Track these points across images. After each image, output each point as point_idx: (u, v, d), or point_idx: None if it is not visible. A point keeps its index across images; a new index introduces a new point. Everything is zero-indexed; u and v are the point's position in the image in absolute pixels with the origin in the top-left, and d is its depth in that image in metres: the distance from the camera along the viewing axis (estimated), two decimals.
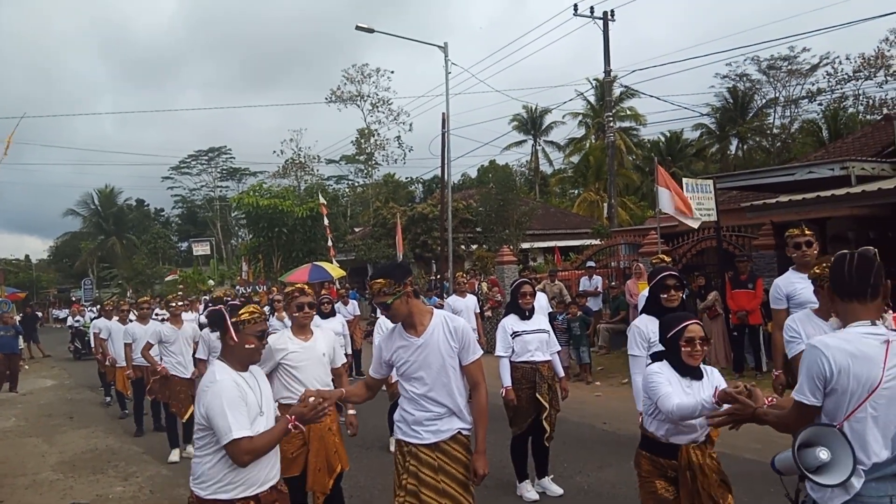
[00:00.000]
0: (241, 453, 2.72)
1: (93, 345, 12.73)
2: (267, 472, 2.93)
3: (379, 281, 3.29)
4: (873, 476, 2.30)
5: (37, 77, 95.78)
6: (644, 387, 3.41)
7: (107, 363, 10.74)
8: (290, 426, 2.84)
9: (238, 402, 2.76)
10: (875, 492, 2.30)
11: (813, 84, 32.39)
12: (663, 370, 3.33)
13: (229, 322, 2.90)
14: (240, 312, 2.93)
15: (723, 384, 3.33)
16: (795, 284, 4.92)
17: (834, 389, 2.32)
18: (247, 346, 2.91)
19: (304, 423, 2.88)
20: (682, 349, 3.27)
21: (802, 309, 4.88)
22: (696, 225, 10.70)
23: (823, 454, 2.28)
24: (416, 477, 3.20)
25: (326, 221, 21.81)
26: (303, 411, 2.86)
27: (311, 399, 2.89)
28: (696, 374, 3.33)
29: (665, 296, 4.13)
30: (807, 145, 30.19)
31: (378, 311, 7.75)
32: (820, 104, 32.28)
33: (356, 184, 45.72)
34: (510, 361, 5.49)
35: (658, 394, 3.23)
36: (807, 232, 4.88)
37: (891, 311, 2.56)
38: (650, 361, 4.15)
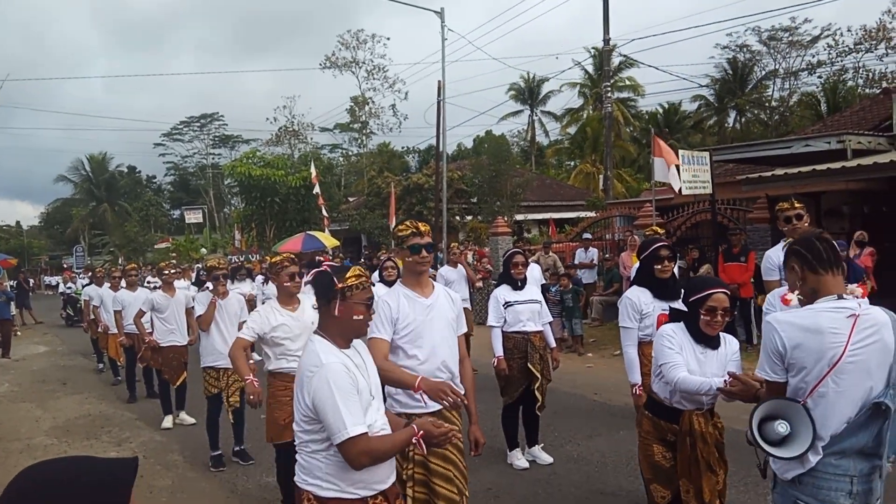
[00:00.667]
0: (358, 454, 2.25)
1: (84, 312, 12.71)
2: (390, 464, 2.54)
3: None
4: (832, 450, 2.27)
5: (27, 39, 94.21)
6: (654, 348, 3.37)
7: (99, 330, 10.71)
8: (413, 439, 2.41)
9: (350, 391, 2.30)
10: (834, 469, 2.27)
11: (813, 56, 32.14)
12: (676, 334, 3.25)
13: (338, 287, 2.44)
14: (346, 276, 2.46)
15: (737, 357, 3.30)
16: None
17: (791, 364, 2.31)
18: (355, 317, 2.45)
19: (427, 445, 2.45)
20: (702, 317, 3.18)
21: None
22: (677, 187, 10.43)
23: (782, 427, 2.29)
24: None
25: (318, 190, 21.66)
26: (433, 431, 2.41)
27: (445, 427, 2.46)
28: (713, 343, 3.25)
29: (658, 267, 4.13)
30: (805, 118, 30.05)
31: (375, 279, 7.69)
32: (819, 77, 32.07)
33: (350, 153, 45.40)
34: (502, 331, 5.50)
35: (665, 360, 3.20)
36: (796, 205, 4.87)
37: (858, 285, 2.55)
38: (644, 333, 4.17)
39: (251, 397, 4.62)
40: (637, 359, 4.16)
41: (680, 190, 10.16)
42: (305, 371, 2.37)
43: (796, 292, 2.53)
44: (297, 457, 2.44)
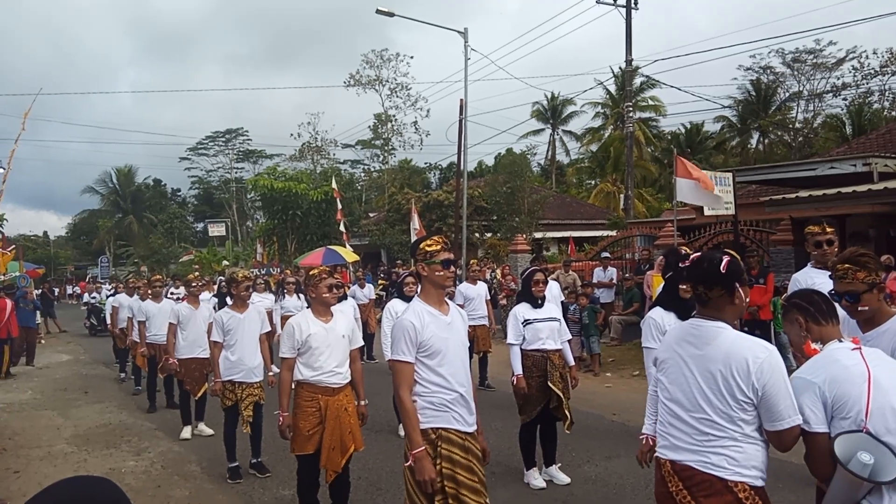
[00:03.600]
0: (793, 439, 2.38)
1: (108, 321, 12.88)
2: None
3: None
4: None
5: (56, 52, 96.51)
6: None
7: (130, 340, 10.75)
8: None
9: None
10: None
11: (838, 78, 31.89)
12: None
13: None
14: None
15: None
16: (815, 279, 4.85)
17: (835, 402, 2.35)
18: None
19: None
20: None
21: None
22: (721, 207, 10.34)
23: (865, 457, 2.25)
24: (449, 460, 3.18)
25: (340, 206, 21.85)
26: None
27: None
28: None
29: (685, 287, 4.11)
30: (829, 141, 29.75)
31: (394, 295, 7.74)
32: (844, 99, 31.79)
33: (372, 169, 45.73)
34: (521, 349, 5.49)
35: None
36: (828, 230, 4.79)
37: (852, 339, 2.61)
38: None
39: (281, 428, 4.63)
40: None
41: (702, 209, 10.10)
42: (748, 356, 2.37)
43: (818, 343, 2.59)
44: (721, 450, 2.39)
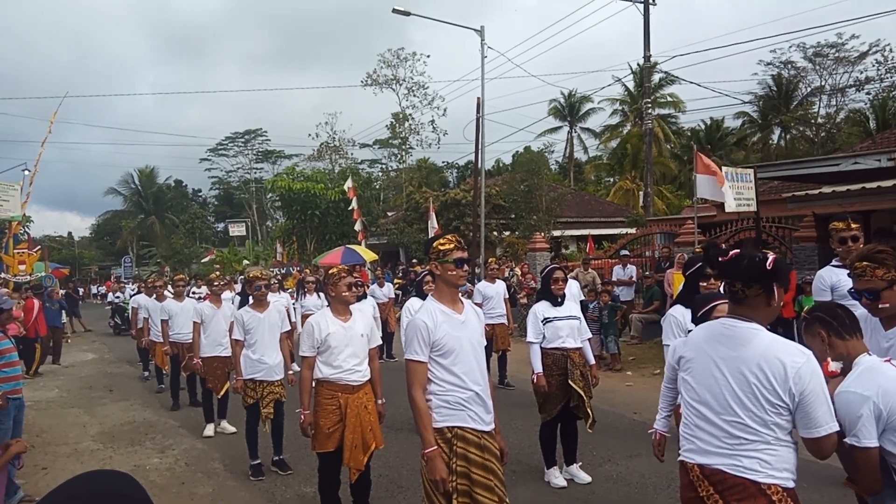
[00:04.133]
0: (832, 447, 2.32)
1: (131, 321, 13.05)
2: None
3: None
4: None
5: (77, 55, 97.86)
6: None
7: (150, 339, 10.93)
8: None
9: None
10: None
11: (861, 72, 31.39)
12: None
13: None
14: None
15: None
16: (840, 276, 4.81)
17: (890, 417, 2.35)
18: None
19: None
20: None
21: (846, 302, 4.78)
22: (738, 204, 10.24)
23: None
24: (464, 458, 3.19)
25: (355, 204, 21.93)
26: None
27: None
28: None
29: (705, 284, 4.10)
30: (853, 136, 29.30)
31: (412, 294, 7.75)
32: (868, 93, 31.28)
33: (389, 168, 45.85)
34: (541, 347, 5.48)
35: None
36: (853, 226, 4.73)
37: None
38: None
39: (303, 426, 4.66)
40: None
41: (723, 206, 10.01)
42: (786, 360, 2.30)
43: (839, 361, 2.56)
44: (754, 453, 2.33)
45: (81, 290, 35.74)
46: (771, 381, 2.28)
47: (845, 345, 2.52)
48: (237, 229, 42.01)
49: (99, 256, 62.54)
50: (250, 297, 6.36)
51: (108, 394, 10.59)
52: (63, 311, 16.01)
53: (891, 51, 29.71)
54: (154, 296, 10.86)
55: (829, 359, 2.54)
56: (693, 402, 2.51)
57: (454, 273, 3.33)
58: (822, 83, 33.31)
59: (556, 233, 24.36)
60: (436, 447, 3.13)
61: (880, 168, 10.36)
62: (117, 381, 11.94)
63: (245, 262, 33.58)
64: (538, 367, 5.43)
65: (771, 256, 2.44)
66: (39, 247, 21.82)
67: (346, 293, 4.63)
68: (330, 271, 4.85)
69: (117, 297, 21.59)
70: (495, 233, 24.16)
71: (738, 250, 2.54)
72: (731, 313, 2.48)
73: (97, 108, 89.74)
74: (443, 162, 47.00)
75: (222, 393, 7.63)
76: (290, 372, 6.31)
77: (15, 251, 17.74)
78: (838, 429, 2.29)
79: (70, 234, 69.41)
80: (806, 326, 2.66)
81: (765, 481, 2.30)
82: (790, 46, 32.09)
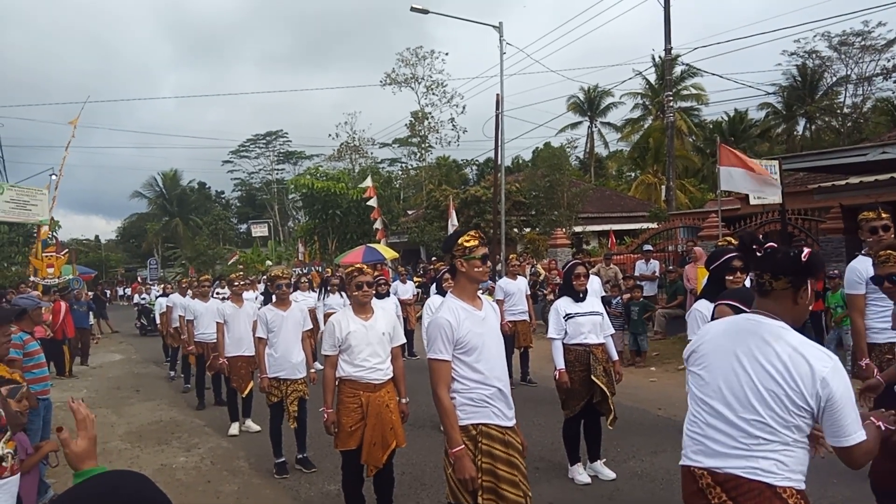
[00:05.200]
0: (863, 456, 2.20)
1: (158, 321, 13.21)
2: None
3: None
4: None
5: (100, 60, 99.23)
6: None
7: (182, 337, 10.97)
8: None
9: None
10: None
11: (888, 60, 30.71)
12: None
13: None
14: None
15: None
16: (873, 269, 4.71)
17: None
18: None
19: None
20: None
21: (881, 294, 4.67)
22: (775, 196, 10.04)
23: None
24: (490, 455, 3.19)
25: (375, 203, 22.00)
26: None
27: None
28: None
29: (730, 278, 4.03)
30: (880, 125, 28.71)
31: (433, 291, 7.73)
32: (895, 82, 30.60)
33: (409, 166, 45.94)
34: (563, 343, 5.44)
35: None
36: (883, 215, 4.63)
37: None
38: None
39: (327, 424, 4.66)
40: None
41: (747, 198, 9.85)
42: (814, 364, 2.19)
43: None
44: (772, 454, 2.21)
45: (108, 293, 36.35)
46: (798, 383, 2.16)
47: None
48: (260, 230, 42.44)
49: (125, 259, 63.54)
50: (273, 296, 6.41)
51: (136, 394, 10.75)
52: (91, 313, 16.27)
53: None
54: (189, 295, 10.87)
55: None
56: (707, 398, 2.35)
57: (480, 270, 3.31)
58: (848, 72, 32.68)
59: (578, 228, 24.22)
60: (463, 446, 3.12)
61: None
62: (144, 381, 12.11)
63: (268, 262, 33.89)
64: (560, 364, 5.39)
65: (807, 250, 2.34)
66: (67, 250, 22.23)
67: (357, 293, 4.64)
68: (347, 271, 4.87)
69: (143, 299, 21.89)
70: (515, 229, 24.08)
71: (774, 244, 2.40)
72: (756, 308, 2.36)
73: (121, 113, 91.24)
74: (462, 159, 47.01)
75: (247, 392, 7.69)
76: (312, 370, 6.34)
77: (43, 255, 18.09)
78: (864, 437, 2.15)
79: (97, 237, 70.67)
80: None
81: (781, 484, 2.19)
82: (815, 36, 31.53)
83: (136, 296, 24.24)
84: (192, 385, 10.04)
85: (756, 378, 2.23)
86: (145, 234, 57.57)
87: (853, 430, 2.15)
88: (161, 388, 11.24)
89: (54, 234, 25.86)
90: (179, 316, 10.82)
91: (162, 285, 21.85)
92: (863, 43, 31.04)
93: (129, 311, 28.40)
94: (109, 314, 23.52)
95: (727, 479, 2.23)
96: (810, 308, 2.38)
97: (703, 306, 4.12)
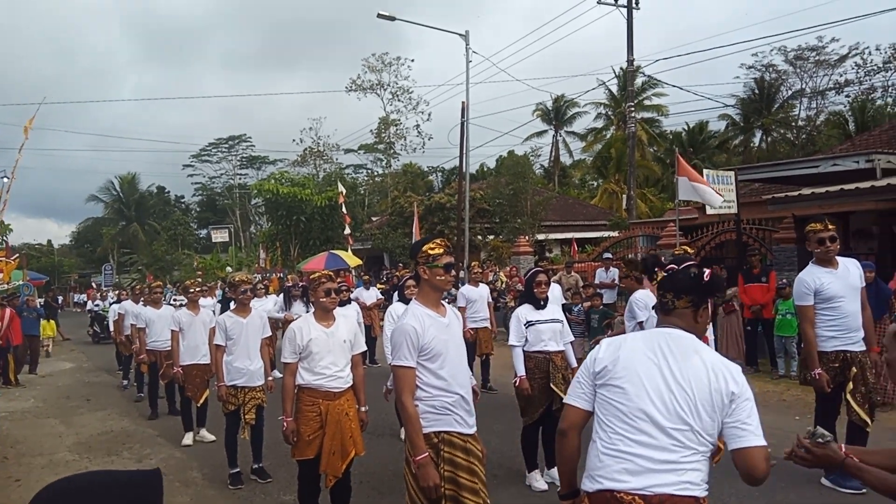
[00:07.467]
0: (763, 461, 2.15)
1: (111, 328, 12.85)
2: None
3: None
4: None
5: (57, 55, 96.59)
6: None
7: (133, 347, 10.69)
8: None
9: None
10: None
11: (841, 75, 31.78)
12: None
13: None
14: None
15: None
16: (822, 279, 4.84)
17: None
18: None
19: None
20: None
21: (830, 304, 4.80)
22: (717, 203, 10.33)
23: None
24: (451, 463, 3.18)
25: (344, 209, 21.89)
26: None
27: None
28: None
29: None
30: (833, 138, 29.64)
31: (395, 298, 7.69)
32: (847, 96, 31.68)
33: (375, 173, 45.79)
34: (523, 351, 5.45)
35: None
36: (830, 227, 4.78)
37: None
38: None
39: (286, 433, 4.52)
40: None
41: (704, 208, 10.09)
42: (727, 374, 2.22)
43: None
44: (697, 465, 2.18)
45: (61, 299, 35.29)
46: (721, 391, 2.18)
47: None
48: (220, 235, 41.67)
49: (79, 264, 61.72)
50: (232, 303, 6.27)
51: (86, 403, 10.42)
52: (41, 320, 15.75)
53: (870, 54, 30.13)
54: (142, 302, 10.62)
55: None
56: (632, 413, 2.24)
57: (442, 278, 3.31)
58: (803, 86, 33.70)
59: (541, 236, 24.41)
60: (427, 454, 3.09)
61: (859, 170, 10.47)
62: (95, 390, 11.75)
63: (228, 268, 33.33)
64: (521, 371, 5.40)
65: (708, 270, 2.40)
66: (17, 255, 21.51)
67: (324, 299, 4.58)
68: (311, 277, 4.80)
69: (97, 306, 21.31)
70: (479, 237, 24.16)
71: (675, 265, 2.44)
72: (665, 324, 2.38)
73: (78, 114, 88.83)
74: (428, 166, 47.06)
75: (202, 401, 7.52)
76: (270, 378, 6.22)
77: None
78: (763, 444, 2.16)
79: (49, 241, 68.41)
80: None
81: (703, 495, 2.19)
82: (772, 50, 32.42)
83: (90, 302, 23.55)
84: (145, 394, 9.78)
85: (685, 388, 2.21)
86: (101, 238, 55.99)
87: (758, 434, 2.17)
88: (113, 398, 10.92)
89: (4, 238, 25.04)
90: (131, 324, 10.54)
91: (117, 292, 21.32)
92: (817, 58, 32.06)
93: (81, 317, 27.60)
94: (61, 321, 22.82)
95: (661, 502, 2.14)
96: (709, 325, 2.43)
97: (642, 295, 4.16)
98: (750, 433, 2.15)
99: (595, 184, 40.63)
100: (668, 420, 2.19)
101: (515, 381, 5.44)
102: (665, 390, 2.23)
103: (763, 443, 2.15)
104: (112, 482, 1.17)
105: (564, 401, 2.51)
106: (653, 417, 2.21)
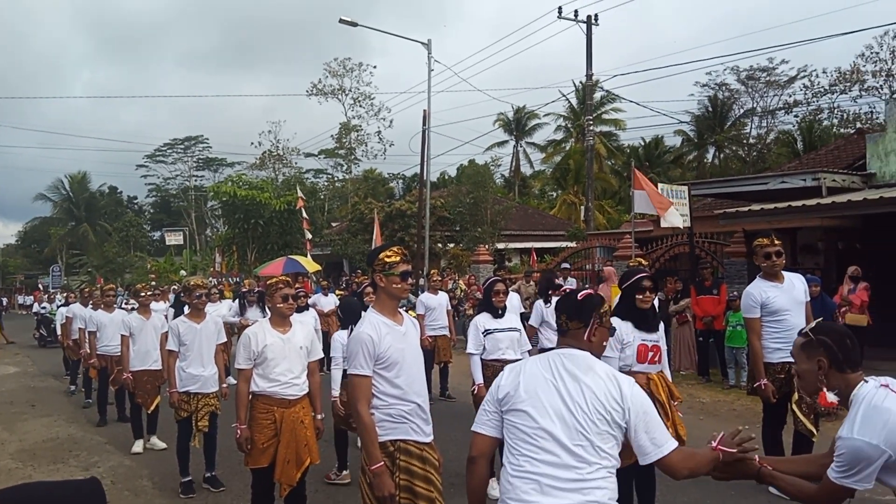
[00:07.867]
0: (681, 461, 2.31)
1: (59, 332, 12.44)
2: None
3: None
4: None
5: (3, 46, 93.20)
6: None
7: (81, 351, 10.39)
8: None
9: None
10: None
11: (790, 96, 32.92)
12: None
13: None
14: None
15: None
16: (768, 292, 5.02)
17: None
18: None
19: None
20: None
21: (776, 317, 4.98)
22: (679, 223, 10.70)
23: None
24: (408, 472, 3.19)
25: (304, 214, 21.66)
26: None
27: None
28: None
29: (640, 297, 4.19)
30: (782, 156, 30.66)
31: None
32: (796, 116, 32.82)
33: (335, 178, 45.45)
34: (481, 359, 5.49)
35: None
36: (776, 242, 4.97)
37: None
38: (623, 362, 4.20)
39: (240, 440, 4.44)
40: None
41: (659, 220, 10.36)
42: (622, 386, 2.30)
43: (835, 391, 2.34)
44: (603, 482, 2.22)
45: (6, 301, 34.02)
46: (618, 404, 2.25)
47: (844, 378, 2.30)
48: (174, 238, 40.79)
49: (25, 265, 59.55)
50: (185, 307, 6.16)
51: (31, 409, 10.05)
52: None
53: (817, 76, 31.27)
54: (90, 305, 10.31)
55: (824, 389, 2.35)
56: (537, 434, 2.27)
57: (399, 286, 3.31)
58: (754, 105, 34.80)
59: (500, 245, 24.59)
60: (382, 463, 3.09)
61: (806, 187, 10.88)
62: (41, 395, 11.36)
63: (182, 272, 32.62)
64: (479, 379, 5.44)
65: (583, 292, 2.53)
66: None
67: (281, 305, 4.53)
68: (269, 282, 4.75)
69: (44, 308, 20.61)
70: (440, 244, 24.21)
71: (569, 288, 2.59)
72: (563, 345, 2.47)
73: (26, 110, 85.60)
74: (389, 173, 46.99)
75: (152, 408, 7.35)
76: (224, 385, 6.12)
77: None
78: (677, 444, 2.30)
79: None
80: (806, 347, 2.40)
81: None
82: (725, 69, 33.41)
83: (37, 304, 22.75)
84: (94, 400, 9.49)
85: (581, 406, 2.26)
86: (49, 239, 54.18)
87: (666, 439, 2.28)
88: (59, 403, 10.57)
89: None
90: (80, 328, 10.21)
91: (65, 294, 20.65)
92: (767, 78, 33.15)
93: (27, 320, 26.64)
94: (5, 323, 21.99)
95: None
96: (605, 344, 2.54)
97: (615, 323, 4.26)
98: (654, 447, 2.26)
99: (554, 194, 41.14)
100: (569, 438, 2.23)
101: (473, 390, 5.48)
102: (564, 409, 2.28)
103: (668, 451, 2.26)
104: (46, 496, 1.13)
105: (472, 429, 2.54)
106: (555, 436, 2.24)
